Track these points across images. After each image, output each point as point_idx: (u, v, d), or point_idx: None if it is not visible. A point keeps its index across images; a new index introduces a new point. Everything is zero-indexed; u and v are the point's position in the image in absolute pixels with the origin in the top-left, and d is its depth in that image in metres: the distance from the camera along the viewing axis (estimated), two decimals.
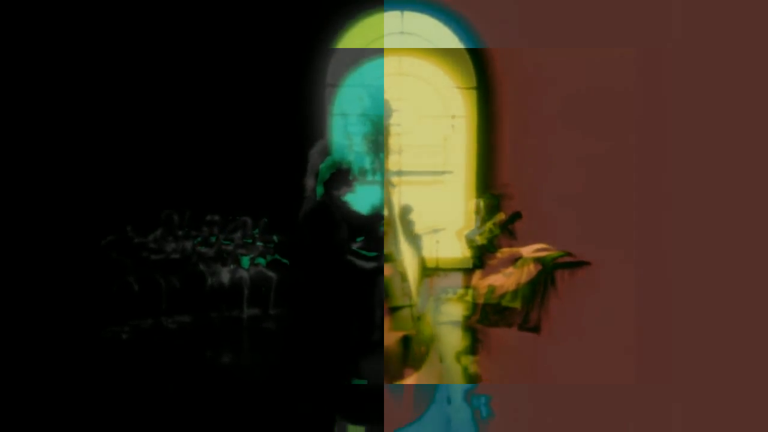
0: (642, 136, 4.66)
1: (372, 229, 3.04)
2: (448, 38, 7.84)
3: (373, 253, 3.04)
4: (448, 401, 3.52)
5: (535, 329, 4.81)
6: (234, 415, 3.37)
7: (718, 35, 3.46)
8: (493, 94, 7.84)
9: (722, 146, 3.39)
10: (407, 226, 5.45)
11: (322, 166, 3.00)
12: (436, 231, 6.35)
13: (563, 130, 6.14)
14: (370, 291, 2.97)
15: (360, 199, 3.16)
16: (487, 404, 3.51)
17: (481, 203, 5.81)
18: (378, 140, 7.47)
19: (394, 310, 2.98)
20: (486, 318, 5.05)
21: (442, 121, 8.29)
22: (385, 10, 7.66)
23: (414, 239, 5.58)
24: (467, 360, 4.55)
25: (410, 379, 3.01)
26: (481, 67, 7.89)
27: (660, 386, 3.41)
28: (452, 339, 5.08)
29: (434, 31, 7.93)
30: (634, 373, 3.72)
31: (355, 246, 3.02)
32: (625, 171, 4.89)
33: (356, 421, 2.87)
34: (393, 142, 7.31)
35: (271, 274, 6.22)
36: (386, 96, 7.61)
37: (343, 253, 2.85)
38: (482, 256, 5.62)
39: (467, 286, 6.17)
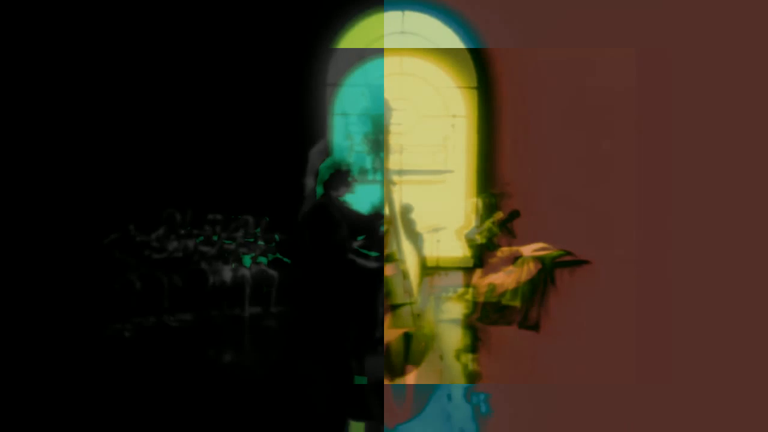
0: (642, 136, 4.67)
1: (372, 229, 3.06)
2: (449, 38, 7.86)
3: (375, 253, 3.06)
4: (449, 398, 3.54)
5: (535, 327, 4.83)
6: (235, 413, 3.39)
7: (718, 35, 3.48)
8: (494, 93, 7.86)
9: (722, 146, 3.40)
10: (408, 225, 5.48)
11: (321, 166, 3.02)
12: (436, 230, 6.38)
13: (563, 129, 6.15)
14: (373, 289, 2.99)
15: (361, 198, 3.18)
16: (487, 401, 3.53)
17: (480, 202, 5.84)
18: (378, 139, 7.49)
19: (395, 307, 3.00)
20: (486, 316, 5.07)
21: (442, 121, 8.31)
22: (386, 10, 7.68)
23: (415, 238, 5.61)
24: (467, 358, 4.57)
25: (411, 376, 3.03)
26: (482, 67, 7.91)
27: (659, 385, 3.42)
28: (452, 337, 5.11)
29: (435, 31, 7.94)
30: (633, 371, 3.73)
31: (355, 245, 3.04)
32: (625, 170, 4.90)
33: (357, 417, 2.89)
34: (393, 141, 7.33)
35: (272, 272, 6.25)
36: (387, 95, 7.63)
37: (344, 252, 2.86)
38: (482, 255, 5.64)
39: (467, 285, 6.19)
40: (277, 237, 6.41)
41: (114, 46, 6.85)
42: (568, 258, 4.93)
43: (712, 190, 3.46)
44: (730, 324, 3.09)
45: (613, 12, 5.06)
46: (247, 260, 6.23)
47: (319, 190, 3.00)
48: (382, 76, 7.87)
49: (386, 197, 3.07)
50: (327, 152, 3.40)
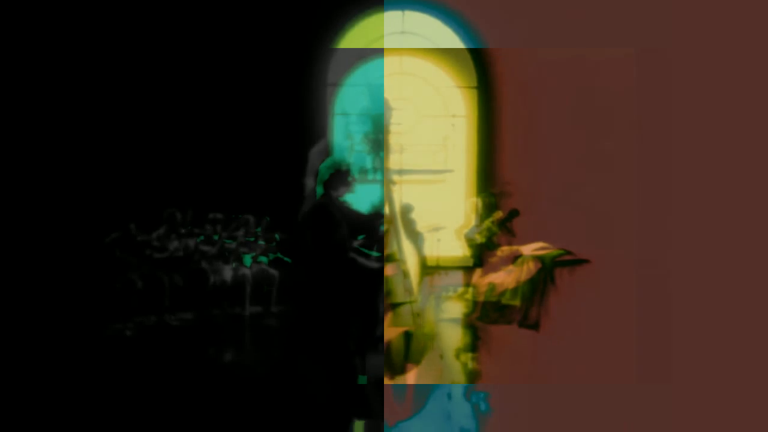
0: (642, 136, 4.68)
1: (372, 228, 3.07)
2: (449, 38, 7.87)
3: (375, 252, 3.08)
4: (449, 397, 3.56)
5: (535, 326, 4.83)
6: (236, 411, 3.40)
7: (718, 35, 3.48)
8: (494, 93, 7.86)
9: (722, 146, 3.41)
10: (408, 224, 5.49)
11: (321, 166, 3.03)
12: (437, 229, 6.38)
13: (563, 129, 6.16)
14: (374, 288, 3.01)
15: (361, 198, 3.19)
16: (486, 400, 3.55)
17: (480, 202, 5.86)
18: (378, 139, 7.50)
19: (395, 306, 3.02)
20: (486, 315, 5.08)
21: (442, 121, 8.32)
22: (386, 10, 7.69)
23: (415, 238, 5.62)
24: (467, 357, 4.59)
25: (411, 375, 3.05)
26: (482, 67, 7.92)
27: (659, 384, 3.43)
28: (452, 336, 5.12)
29: (435, 31, 7.95)
30: (633, 370, 3.74)
31: (356, 244, 3.05)
32: (625, 170, 4.91)
33: (358, 416, 2.91)
34: (393, 141, 7.34)
35: (273, 271, 6.26)
36: (387, 95, 7.64)
37: (345, 251, 2.88)
38: (482, 255, 5.65)
39: (468, 284, 6.20)
40: (277, 236, 6.43)
41: (115, 46, 6.87)
42: (567, 257, 4.93)
43: (713, 189, 3.46)
44: (731, 323, 3.10)
45: (614, 12, 5.07)
46: (247, 259, 6.24)
47: (319, 190, 3.02)
48: (382, 76, 7.88)
49: (386, 197, 3.09)
50: (327, 152, 3.42)
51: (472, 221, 5.98)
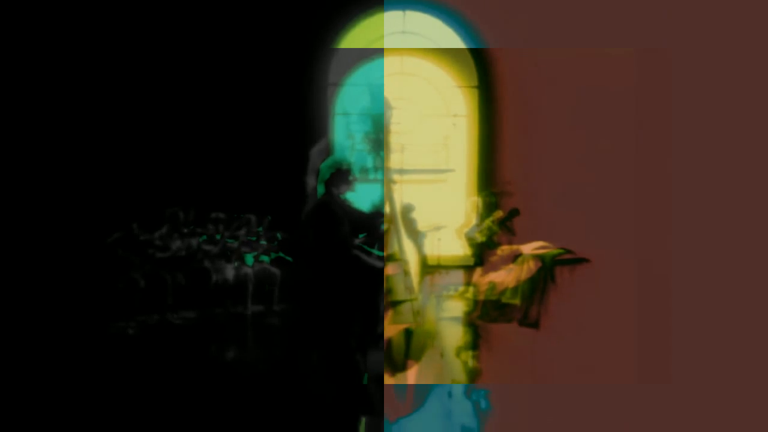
0: (642, 136, 4.69)
1: (373, 227, 3.10)
2: (450, 38, 7.89)
3: (376, 250, 3.10)
4: (449, 395, 3.58)
5: (535, 325, 4.85)
6: (238, 409, 3.43)
7: (718, 35, 3.49)
8: (494, 93, 7.88)
9: (722, 145, 3.42)
10: (409, 224, 5.50)
11: (322, 165, 3.05)
12: (437, 229, 6.40)
13: (563, 129, 6.17)
14: (377, 286, 3.03)
15: (361, 197, 3.21)
16: (487, 398, 3.57)
17: (480, 201, 5.88)
18: (379, 139, 7.52)
19: (396, 304, 3.04)
20: (486, 314, 5.09)
21: (443, 120, 8.34)
22: (387, 10, 7.70)
23: (416, 237, 5.63)
24: (468, 355, 4.61)
25: (411, 372, 3.07)
26: (483, 67, 7.93)
27: (659, 383, 3.44)
28: (453, 335, 5.14)
29: (436, 31, 7.97)
30: (633, 369, 3.75)
31: (357, 242, 3.08)
32: (625, 170, 4.92)
33: (360, 412, 2.93)
34: (394, 140, 7.36)
35: (274, 270, 6.29)
36: (387, 95, 7.65)
37: (348, 248, 2.90)
38: (482, 254, 5.68)
39: (468, 283, 6.22)
40: (279, 235, 6.45)
41: (117, 46, 6.90)
42: (567, 256, 4.94)
43: (713, 189, 3.48)
44: (731, 322, 3.11)
45: (614, 12, 5.08)
46: (249, 259, 6.27)
47: (321, 189, 3.04)
48: (382, 76, 7.90)
49: (387, 196, 3.11)
50: (328, 151, 3.44)
51: (473, 220, 6.01)
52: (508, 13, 6.86)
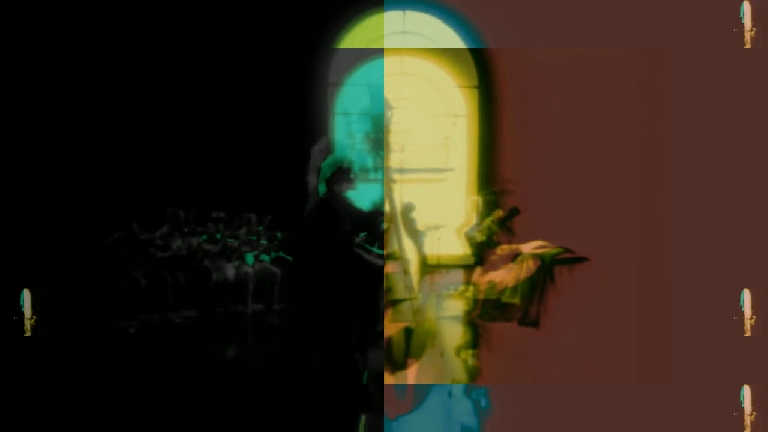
0: (642, 135, 4.71)
1: (373, 226, 3.11)
2: (450, 38, 7.89)
3: (377, 249, 3.11)
4: (449, 394, 3.59)
5: (535, 324, 4.86)
6: (238, 408, 3.44)
7: (718, 35, 3.50)
8: (494, 92, 7.89)
9: (722, 145, 3.44)
10: (409, 223, 5.51)
11: (323, 164, 3.07)
12: (437, 228, 6.41)
13: (564, 128, 6.19)
14: (377, 285, 3.04)
15: (362, 196, 3.22)
16: (486, 397, 3.58)
17: (480, 200, 5.89)
18: (379, 138, 7.53)
19: (395, 303, 3.05)
20: (486, 313, 5.10)
21: (443, 120, 8.35)
22: (387, 10, 7.71)
23: (416, 236, 5.64)
24: (467, 354, 4.62)
25: (411, 371, 3.08)
26: (483, 66, 7.94)
27: (659, 382, 3.45)
28: (453, 334, 5.15)
29: (436, 31, 7.98)
30: (633, 368, 3.76)
31: (358, 241, 3.09)
32: (625, 169, 4.93)
33: (361, 410, 2.94)
34: (394, 140, 7.36)
35: (275, 270, 6.30)
36: (387, 95, 7.66)
37: (349, 246, 2.91)
38: (482, 253, 5.69)
39: (468, 283, 6.23)
40: (279, 235, 6.47)
41: (117, 46, 6.90)
42: (567, 255, 4.95)
43: (713, 188, 3.49)
44: (731, 321, 3.12)
45: (614, 12, 5.09)
46: (250, 258, 6.28)
47: (322, 188, 3.06)
48: (383, 76, 7.91)
49: (387, 195, 3.12)
50: (328, 150, 3.45)
51: (473, 220, 6.01)
52: (508, 13, 6.86)
